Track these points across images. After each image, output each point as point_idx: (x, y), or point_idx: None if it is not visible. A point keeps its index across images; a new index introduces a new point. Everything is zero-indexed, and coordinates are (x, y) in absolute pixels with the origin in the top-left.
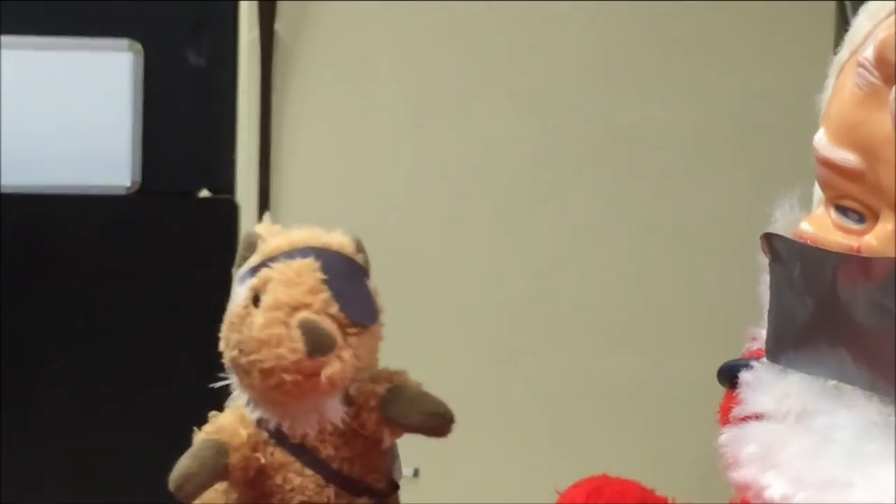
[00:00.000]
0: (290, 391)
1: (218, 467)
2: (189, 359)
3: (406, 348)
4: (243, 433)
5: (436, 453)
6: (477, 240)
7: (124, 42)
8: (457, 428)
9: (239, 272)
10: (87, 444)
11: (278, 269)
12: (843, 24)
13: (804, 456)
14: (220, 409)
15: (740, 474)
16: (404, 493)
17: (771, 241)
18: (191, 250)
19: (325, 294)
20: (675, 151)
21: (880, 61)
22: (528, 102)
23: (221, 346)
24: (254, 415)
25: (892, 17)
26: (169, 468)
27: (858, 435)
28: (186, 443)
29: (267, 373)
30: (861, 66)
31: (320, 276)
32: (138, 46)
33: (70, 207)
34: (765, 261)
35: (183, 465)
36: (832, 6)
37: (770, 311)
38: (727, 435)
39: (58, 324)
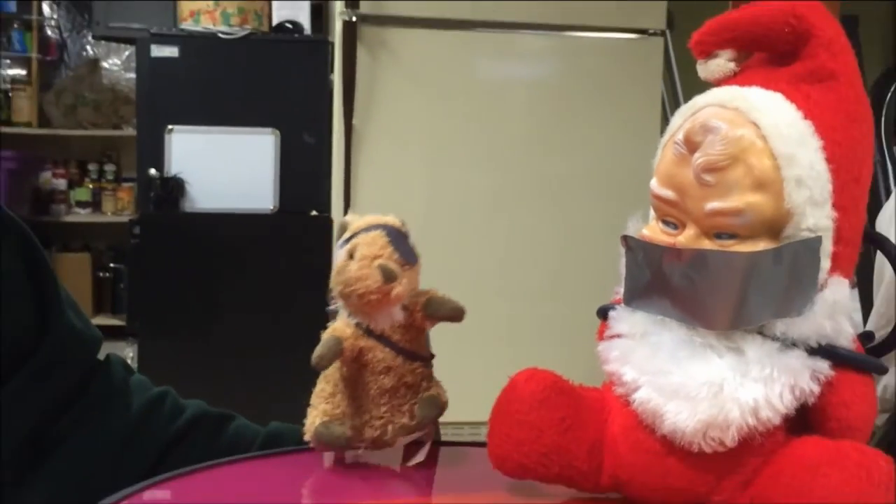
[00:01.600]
0: (374, 305)
1: (338, 349)
2: (306, 301)
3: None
4: (348, 331)
5: (438, 361)
6: (468, 236)
7: (269, 129)
8: (454, 345)
9: (338, 243)
10: (252, 365)
11: (361, 238)
12: (665, 119)
13: (644, 357)
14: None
15: (609, 368)
16: None
17: (626, 239)
18: (306, 244)
19: (390, 249)
20: (582, 189)
21: (687, 141)
22: (494, 158)
23: (332, 284)
24: (352, 320)
25: (693, 116)
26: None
27: (675, 346)
28: (315, 344)
29: (361, 296)
30: (676, 143)
31: (386, 239)
32: (277, 132)
33: (237, 221)
34: (623, 250)
35: (319, 350)
36: (659, 114)
37: (626, 277)
38: (602, 346)
39: (226, 293)
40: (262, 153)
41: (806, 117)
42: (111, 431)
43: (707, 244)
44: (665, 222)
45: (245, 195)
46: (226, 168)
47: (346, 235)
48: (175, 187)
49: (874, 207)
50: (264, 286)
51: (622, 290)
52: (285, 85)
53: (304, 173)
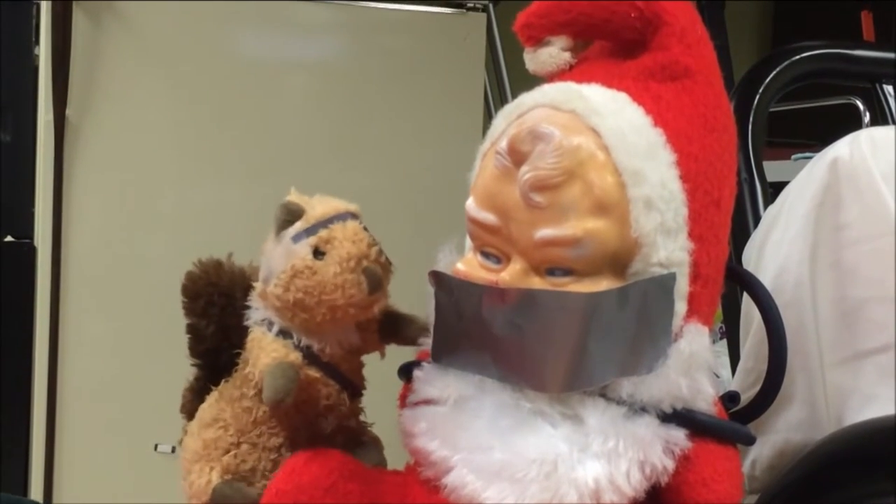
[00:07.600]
0: (342, 321)
1: (297, 379)
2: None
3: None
4: (293, 356)
5: None
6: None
7: None
8: None
9: (287, 233)
10: None
11: (338, 230)
12: (487, 123)
13: (459, 429)
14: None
15: (414, 444)
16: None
17: (436, 276)
18: None
19: (377, 247)
20: (377, 209)
21: (511, 151)
22: (264, 165)
23: (278, 291)
24: (290, 340)
25: (520, 119)
26: None
27: (496, 413)
28: None
29: (335, 309)
30: (498, 153)
31: (367, 233)
32: None
33: None
34: (432, 290)
35: (275, 383)
36: (481, 111)
37: (435, 325)
38: (405, 416)
39: None
40: None
41: (656, 124)
42: None
43: (537, 282)
44: (485, 254)
45: None
46: None
47: (305, 225)
48: None
49: (740, 238)
50: None
51: (430, 341)
52: None
53: None
